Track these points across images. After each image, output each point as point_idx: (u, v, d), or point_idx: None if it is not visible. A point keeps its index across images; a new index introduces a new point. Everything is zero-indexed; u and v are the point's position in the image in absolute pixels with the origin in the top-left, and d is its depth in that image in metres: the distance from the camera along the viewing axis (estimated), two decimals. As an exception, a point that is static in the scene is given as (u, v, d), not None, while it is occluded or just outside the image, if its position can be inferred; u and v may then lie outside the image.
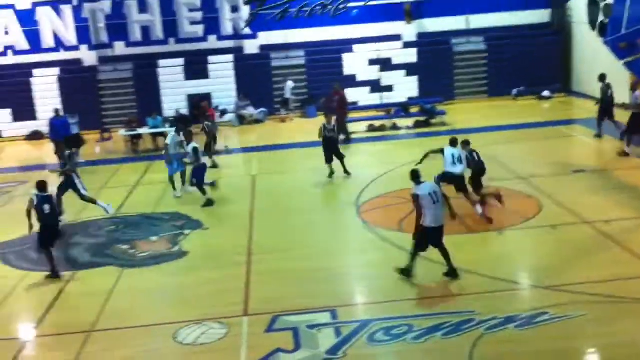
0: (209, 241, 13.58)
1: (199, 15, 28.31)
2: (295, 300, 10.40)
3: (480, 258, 11.60)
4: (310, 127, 23.79)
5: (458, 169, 13.62)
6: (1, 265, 13.02)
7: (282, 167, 19.79)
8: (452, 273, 10.77)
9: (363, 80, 28.31)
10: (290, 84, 27.58)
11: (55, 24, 27.88)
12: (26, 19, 27.72)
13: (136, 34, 28.15)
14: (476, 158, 13.83)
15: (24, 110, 27.08)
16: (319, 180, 17.41)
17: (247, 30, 28.39)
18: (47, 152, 24.47)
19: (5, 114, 27.17)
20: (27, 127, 27.01)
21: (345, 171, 17.47)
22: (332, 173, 17.40)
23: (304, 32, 28.45)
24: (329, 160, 17.38)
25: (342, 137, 21.50)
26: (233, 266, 12.03)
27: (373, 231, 13.42)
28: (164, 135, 23.34)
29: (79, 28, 27.96)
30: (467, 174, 13.79)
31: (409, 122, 24.36)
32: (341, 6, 27.44)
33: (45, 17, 27.78)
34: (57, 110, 22.72)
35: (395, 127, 24.00)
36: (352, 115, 24.21)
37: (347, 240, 13.20)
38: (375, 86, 28.34)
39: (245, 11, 27.97)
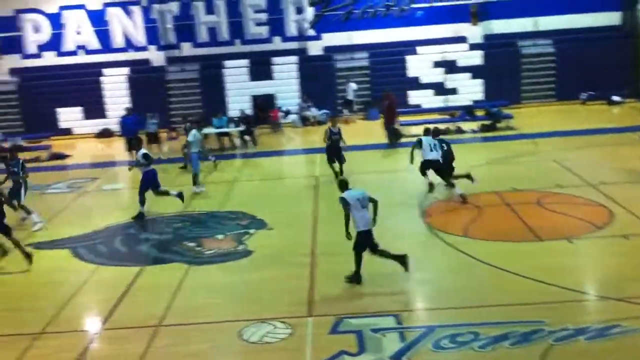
0: (274, 241, 13.69)
1: (264, 16, 28.65)
2: (359, 303, 10.40)
3: (549, 267, 11.34)
4: (373, 130, 23.81)
5: (433, 155, 15.51)
6: (73, 259, 13.40)
7: (344, 169, 19.78)
8: (403, 263, 11.18)
9: (427, 83, 28.15)
10: (352, 85, 27.60)
11: (125, 25, 28.66)
12: (97, 19, 28.60)
13: (203, 35, 28.68)
14: (444, 147, 15.65)
15: (94, 108, 27.92)
16: (381, 183, 17.35)
17: (312, 32, 28.59)
18: (116, 149, 25.19)
19: (77, 111, 28.03)
20: (97, 124, 27.82)
21: (340, 173, 17.49)
22: (335, 174, 17.60)
23: (368, 33, 28.46)
24: (331, 162, 17.97)
25: (389, 140, 21.57)
26: (297, 266, 12.10)
27: (437, 235, 13.30)
28: (229, 135, 23.75)
29: (148, 29, 28.69)
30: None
31: (474, 125, 24.06)
32: (405, 7, 27.35)
33: (116, 17, 28.58)
34: (128, 109, 23.40)
35: (459, 131, 23.74)
36: (415, 118, 24.08)
37: (411, 244, 13.09)
38: (439, 89, 28.12)
39: (310, 12, 28.15)
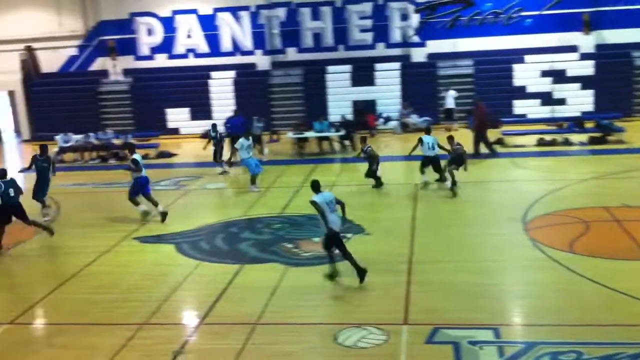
0: (370, 247, 13.64)
1: (369, 22, 28.74)
2: (456, 314, 10.19)
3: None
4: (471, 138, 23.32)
5: (432, 152, 17.58)
6: (176, 254, 13.85)
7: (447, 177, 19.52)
8: (360, 275, 11.33)
9: (533, 92, 27.37)
10: (452, 93, 27.16)
11: (234, 29, 29.47)
12: (207, 23, 29.54)
13: (307, 40, 29.08)
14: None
15: (201, 109, 28.81)
16: (484, 193, 17.00)
17: (416, 38, 28.40)
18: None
19: (184, 112, 29.01)
20: (202, 125, 28.65)
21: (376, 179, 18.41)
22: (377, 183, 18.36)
23: (474, 40, 27.98)
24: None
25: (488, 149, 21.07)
26: (394, 273, 12.01)
27: (541, 250, 12.85)
28: (329, 139, 23.93)
29: (255, 33, 29.36)
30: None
31: (583, 137, 23.15)
32: (514, 15, 26.69)
33: (225, 22, 29.44)
34: (235, 111, 24.13)
35: (567, 142, 22.90)
36: (520, 128, 23.41)
37: (513, 257, 12.72)
38: (547, 99, 27.26)
39: (415, 19, 27.98)
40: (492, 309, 10.35)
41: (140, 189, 16.08)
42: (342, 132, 23.78)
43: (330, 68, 28.57)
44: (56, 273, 13.15)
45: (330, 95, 28.28)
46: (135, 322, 10.52)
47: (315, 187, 11.87)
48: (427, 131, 18.66)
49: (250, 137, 19.06)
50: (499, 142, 22.95)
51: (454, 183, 16.95)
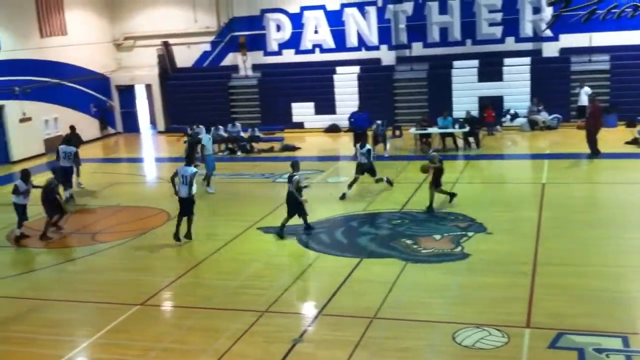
0: (493, 246, 13.33)
1: (498, 16, 27.96)
2: (582, 320, 9.76)
3: None
4: (610, 137, 22.22)
5: None
6: (297, 245, 14.15)
7: (575, 177, 18.75)
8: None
9: (677, 90, 25.58)
10: (586, 89, 25.87)
11: (360, 25, 29.58)
12: (334, 19, 29.81)
13: (434, 35, 28.71)
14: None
15: (325, 104, 29.15)
16: (616, 194, 16.16)
17: (548, 33, 27.34)
18: (342, 144, 26.13)
19: (309, 107, 29.48)
20: (326, 120, 29.04)
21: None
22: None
23: (611, 35, 26.53)
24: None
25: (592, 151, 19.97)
26: (516, 275, 11.68)
27: (678, 257, 12.08)
28: (452, 135, 23.54)
29: (381, 29, 29.32)
30: None
31: None
32: (657, 7, 25.14)
33: (352, 17, 29.60)
34: (360, 106, 24.31)
35: None
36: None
37: (642, 263, 12.04)
38: (692, 98, 25.42)
39: (547, 12, 26.94)
40: (621, 317, 9.85)
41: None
42: (467, 129, 23.31)
43: (457, 63, 28.01)
44: (185, 259, 13.82)
45: (456, 90, 27.72)
46: (257, 309, 10.87)
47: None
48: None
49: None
50: (635, 141, 21.69)
51: None
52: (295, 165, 14.87)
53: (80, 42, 29.75)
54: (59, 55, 28.61)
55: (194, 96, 30.21)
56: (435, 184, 16.08)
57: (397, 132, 26.28)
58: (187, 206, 14.60)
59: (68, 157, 18.94)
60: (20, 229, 15.41)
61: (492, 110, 25.88)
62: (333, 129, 28.59)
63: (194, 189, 14.66)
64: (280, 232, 14.51)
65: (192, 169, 14.62)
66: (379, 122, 23.26)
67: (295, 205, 14.63)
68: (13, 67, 26.11)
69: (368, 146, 18.05)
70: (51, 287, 12.85)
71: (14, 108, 26.19)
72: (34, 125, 26.85)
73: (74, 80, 29.48)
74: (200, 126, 24.36)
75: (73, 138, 21.18)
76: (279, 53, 30.89)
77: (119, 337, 10.33)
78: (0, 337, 10.65)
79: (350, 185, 17.55)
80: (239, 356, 9.42)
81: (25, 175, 15.59)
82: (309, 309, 11.19)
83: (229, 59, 31.45)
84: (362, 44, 29.78)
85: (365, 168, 17.77)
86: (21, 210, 15.38)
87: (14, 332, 10.72)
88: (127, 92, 32.41)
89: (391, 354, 9.21)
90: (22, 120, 26.51)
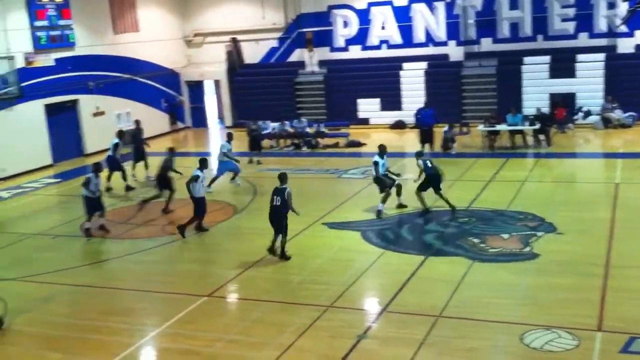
0: (563, 247, 12.99)
1: (571, 11, 27.24)
2: (657, 325, 9.42)
3: None
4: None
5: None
6: (362, 241, 14.12)
7: None
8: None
9: None
10: (664, 87, 24.90)
11: (428, 20, 29.28)
12: (402, 15, 29.60)
13: (504, 31, 28.19)
14: (429, 165, 15.78)
15: (391, 100, 28.98)
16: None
17: (623, 28, 26.42)
18: (407, 140, 25.93)
19: (375, 103, 29.36)
20: (392, 116, 28.86)
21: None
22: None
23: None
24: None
25: None
26: (587, 277, 11.35)
27: None
28: (522, 132, 23.04)
29: (449, 24, 28.94)
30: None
31: None
32: None
33: (419, 13, 29.33)
34: (426, 102, 24.11)
35: None
36: None
37: None
38: None
39: (622, 8, 26.02)
40: (701, 324, 9.44)
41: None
42: (537, 126, 22.77)
43: (527, 59, 27.37)
44: (250, 252, 13.93)
45: (526, 87, 27.11)
46: (321, 304, 10.91)
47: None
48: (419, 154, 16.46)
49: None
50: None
51: None
52: (283, 178, 13.26)
53: (152, 39, 30.46)
54: (132, 51, 29.36)
55: (261, 92, 30.53)
56: (420, 188, 15.67)
57: (465, 129, 25.90)
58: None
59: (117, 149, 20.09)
60: (90, 222, 15.77)
61: (563, 108, 25.21)
62: (399, 125, 28.40)
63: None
64: (283, 255, 13.13)
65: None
66: (445, 128, 22.96)
67: (280, 222, 13.11)
68: (87, 63, 26.93)
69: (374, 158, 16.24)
70: (122, 277, 13.21)
71: (88, 102, 27.03)
72: (107, 119, 27.65)
73: (145, 75, 30.22)
74: (267, 121, 24.69)
75: (137, 133, 21.73)
76: (345, 49, 30.89)
77: (186, 327, 10.54)
78: (73, 324, 11.02)
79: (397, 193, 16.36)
80: (303, 350, 9.47)
81: (97, 168, 16.03)
82: (373, 306, 11.16)
83: (296, 55, 31.64)
84: (429, 39, 29.48)
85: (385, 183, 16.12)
86: (92, 203, 15.70)
87: (86, 320, 11.06)
88: (196, 88, 33.02)
89: (457, 353, 9.10)
90: (95, 114, 27.33)
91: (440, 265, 12.46)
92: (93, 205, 15.74)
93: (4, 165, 22.79)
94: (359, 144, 25.31)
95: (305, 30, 31.05)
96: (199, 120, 33.05)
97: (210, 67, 32.38)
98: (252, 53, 32.18)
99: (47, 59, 25.10)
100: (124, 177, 19.96)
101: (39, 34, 24.65)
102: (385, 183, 15.93)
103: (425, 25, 29.39)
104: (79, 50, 26.56)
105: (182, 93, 32.76)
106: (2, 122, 23.07)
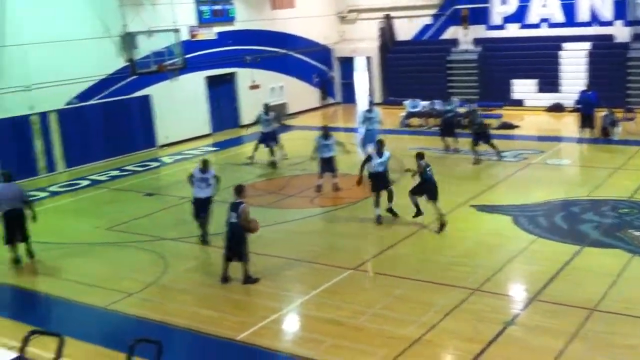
0: None
1: None
2: None
3: None
4: None
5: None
6: (512, 226, 13.68)
7: None
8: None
9: None
10: None
11: (593, -1, 27.66)
12: (565, -8, 28.14)
13: (679, 10, 26.02)
14: (429, 171, 13.80)
15: (549, 82, 27.71)
16: None
17: None
18: (565, 124, 24.73)
19: (531, 84, 28.20)
20: (549, 98, 27.61)
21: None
22: None
23: None
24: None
25: None
26: None
27: None
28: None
29: (616, 3, 27.13)
30: None
31: None
32: None
33: (585, -10, 27.74)
34: (588, 85, 22.89)
35: None
36: None
37: None
38: None
39: None
40: None
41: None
42: None
43: None
44: (396, 230, 13.95)
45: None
46: (468, 287, 10.73)
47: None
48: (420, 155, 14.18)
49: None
50: None
51: None
52: (239, 191, 11.57)
53: (307, 15, 30.99)
54: (287, 26, 30.06)
55: (411, 69, 30.26)
56: (413, 191, 14.06)
57: (630, 115, 24.29)
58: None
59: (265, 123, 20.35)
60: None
61: None
62: (556, 108, 27.11)
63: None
64: (247, 280, 11.44)
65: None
66: (605, 113, 21.65)
67: (239, 242, 11.42)
68: (246, 37, 27.92)
69: (387, 153, 14.66)
70: (272, 244, 13.63)
71: (244, 75, 28.05)
72: (261, 92, 28.57)
73: (299, 51, 30.87)
74: (416, 100, 24.44)
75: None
76: (502, 27, 29.84)
77: (332, 297, 10.75)
78: (225, 285, 11.55)
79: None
80: (447, 331, 9.37)
81: (205, 165, 13.89)
82: (522, 293, 10.82)
83: (450, 33, 31.00)
84: (593, 19, 27.79)
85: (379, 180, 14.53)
86: (200, 203, 13.75)
87: (237, 282, 11.55)
88: (347, 64, 33.29)
89: (615, 350, 8.60)
90: (251, 87, 28.33)
91: (596, 257, 11.83)
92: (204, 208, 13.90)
93: (167, 133, 24.23)
94: (511, 126, 24.48)
95: (460, 7, 30.27)
96: (349, 96, 33.35)
97: (362, 43, 32.50)
98: (405, 30, 31.92)
99: (209, 33, 26.29)
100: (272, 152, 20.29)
101: (202, 8, 25.86)
102: (376, 183, 14.44)
103: (590, 3, 27.72)
104: (238, 25, 27.58)
105: (333, 69, 33.16)
106: (167, 91, 24.49)
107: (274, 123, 20.71)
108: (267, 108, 20.86)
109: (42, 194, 18.61)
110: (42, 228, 13.99)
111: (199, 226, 13.71)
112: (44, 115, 20.79)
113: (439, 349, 9.01)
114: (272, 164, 20.06)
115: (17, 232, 13.12)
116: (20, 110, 20.23)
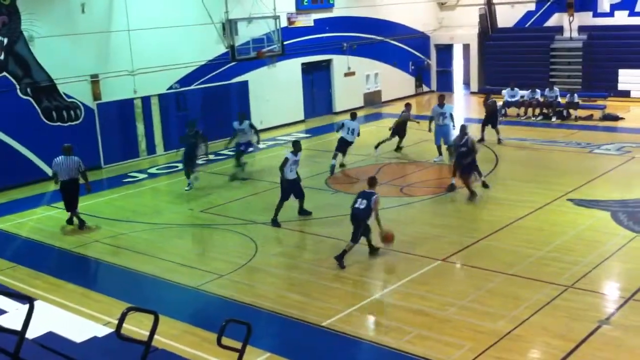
0: None
1: None
2: None
3: None
4: None
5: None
6: (611, 222, 13.13)
7: None
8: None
9: None
10: None
11: None
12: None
13: None
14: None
15: (660, 72, 26.32)
16: None
17: None
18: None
19: (637, 73, 26.85)
20: (658, 89, 26.25)
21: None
22: None
23: None
24: None
25: None
26: None
27: None
28: None
29: None
30: None
31: None
32: None
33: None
34: None
35: None
36: None
37: None
38: None
39: None
40: None
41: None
42: None
43: None
44: (488, 221, 13.69)
45: None
46: (561, 283, 10.42)
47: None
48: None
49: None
50: None
51: None
52: (372, 183, 12.30)
53: (406, 1, 30.66)
54: (386, 13, 29.84)
55: (512, 57, 29.43)
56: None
57: None
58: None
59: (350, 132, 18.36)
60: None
61: None
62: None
63: None
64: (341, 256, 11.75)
65: None
66: None
67: (358, 226, 11.89)
68: (343, 24, 27.92)
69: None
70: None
71: (340, 62, 28.11)
72: (356, 79, 28.54)
73: (396, 38, 30.61)
74: (515, 89, 23.68)
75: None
76: (610, 14, 28.51)
77: (419, 288, 10.68)
78: (317, 271, 11.69)
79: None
80: (539, 327, 9.13)
81: (297, 146, 14.44)
82: (618, 291, 10.40)
83: (554, 20, 29.94)
84: None
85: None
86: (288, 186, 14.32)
87: (329, 269, 11.66)
88: (444, 51, 32.75)
89: None
90: (346, 75, 28.37)
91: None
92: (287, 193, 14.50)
93: (262, 118, 24.63)
94: (616, 118, 23.44)
95: (567, -7, 29.14)
96: (444, 84, 32.78)
97: (461, 30, 31.88)
98: (506, 17, 31.06)
99: (307, 20, 26.48)
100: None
101: (302, -5, 26.07)
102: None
103: None
104: (336, 12, 27.62)
105: (430, 56, 32.71)
106: (264, 77, 24.89)
107: (251, 134, 18.81)
108: (242, 117, 19.02)
109: (142, 176, 19.39)
110: (140, 208, 14.56)
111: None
112: (146, 99, 21.59)
113: (528, 345, 8.80)
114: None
115: (72, 200, 14.55)
116: (125, 94, 21.07)
